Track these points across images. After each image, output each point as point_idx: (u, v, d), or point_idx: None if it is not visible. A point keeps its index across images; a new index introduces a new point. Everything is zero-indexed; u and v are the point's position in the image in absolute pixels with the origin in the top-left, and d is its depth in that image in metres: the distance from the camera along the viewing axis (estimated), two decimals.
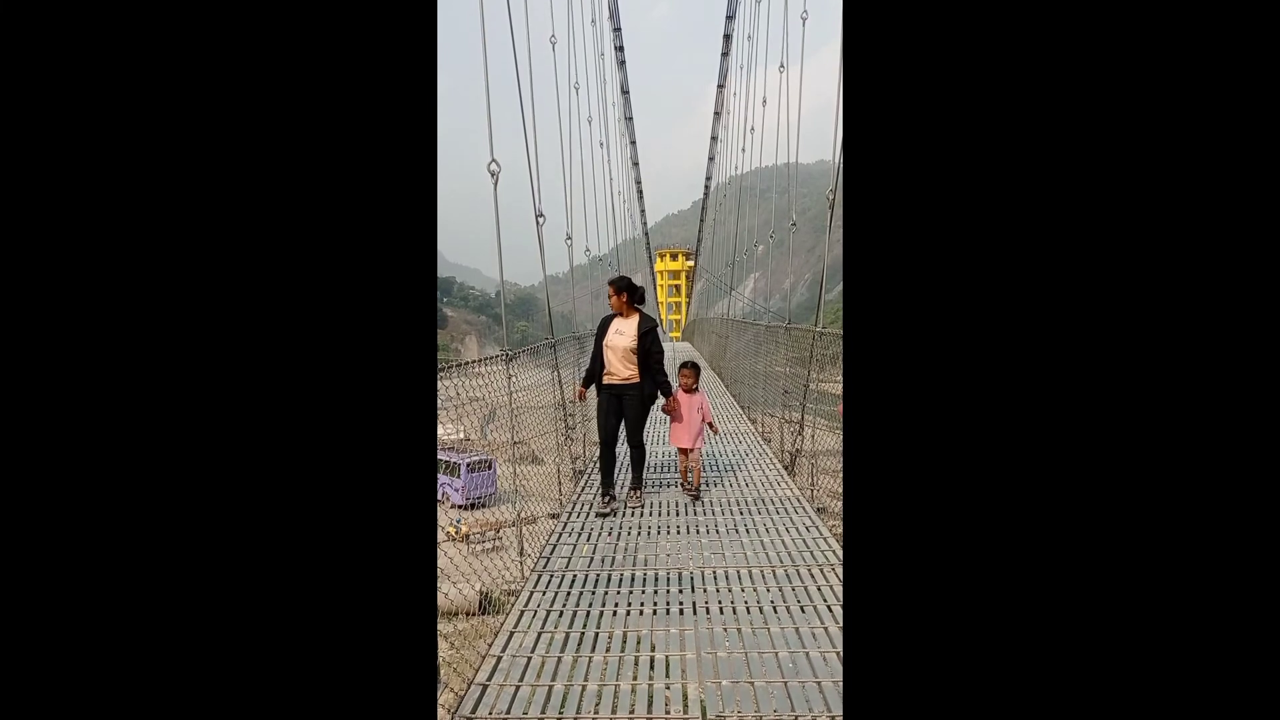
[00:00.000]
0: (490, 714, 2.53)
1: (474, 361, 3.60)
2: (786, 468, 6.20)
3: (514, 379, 3.99)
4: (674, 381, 5.30)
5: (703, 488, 5.48)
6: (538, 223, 5.04)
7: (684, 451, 5.46)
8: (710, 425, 5.57)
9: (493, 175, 3.83)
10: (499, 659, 2.93)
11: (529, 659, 2.92)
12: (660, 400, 5.15)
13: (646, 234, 29.83)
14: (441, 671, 2.55)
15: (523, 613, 3.39)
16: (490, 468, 17.61)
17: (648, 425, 5.34)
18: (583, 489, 5.71)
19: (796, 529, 4.55)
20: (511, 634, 3.17)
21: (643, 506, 5.12)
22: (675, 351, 18.44)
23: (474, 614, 7.50)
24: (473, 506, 17.68)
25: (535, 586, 3.73)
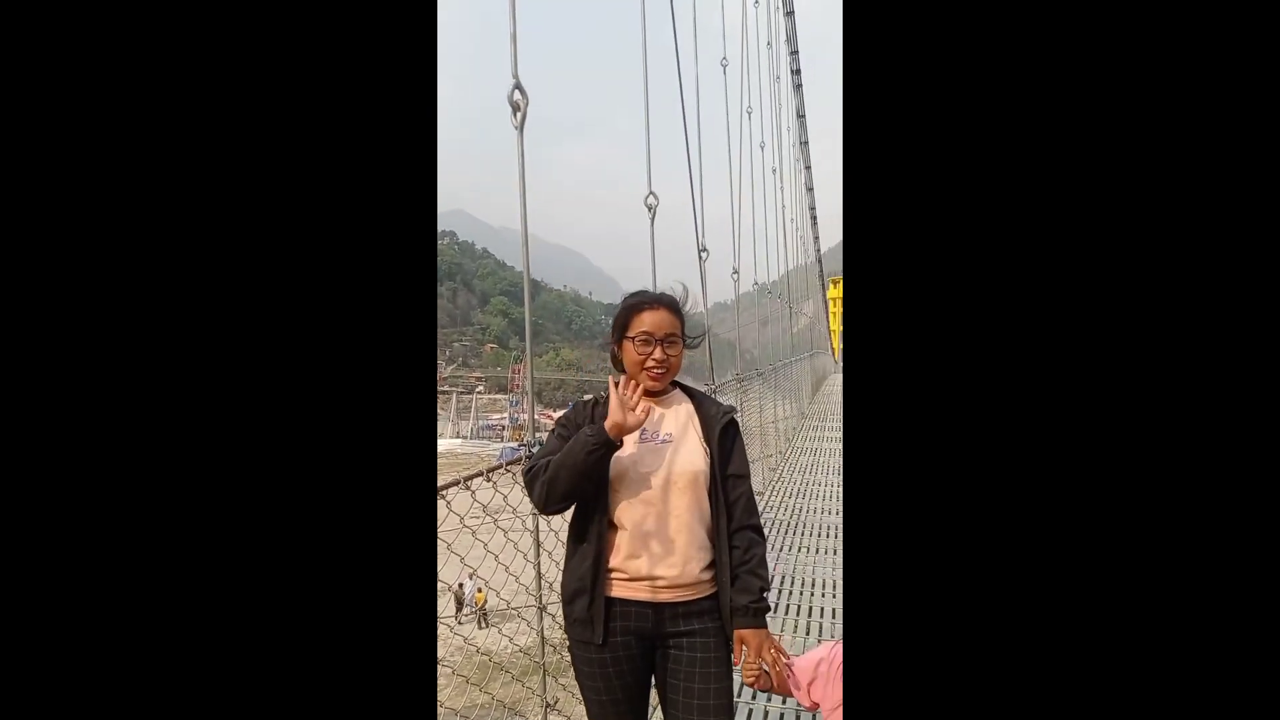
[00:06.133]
0: None
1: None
2: None
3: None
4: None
5: None
6: (700, 258, 4.51)
7: None
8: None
9: (650, 209, 3.41)
10: None
11: None
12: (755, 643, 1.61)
13: (820, 260, 27.93)
14: None
15: None
16: None
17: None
18: None
19: None
20: None
21: None
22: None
23: None
24: None
25: None
